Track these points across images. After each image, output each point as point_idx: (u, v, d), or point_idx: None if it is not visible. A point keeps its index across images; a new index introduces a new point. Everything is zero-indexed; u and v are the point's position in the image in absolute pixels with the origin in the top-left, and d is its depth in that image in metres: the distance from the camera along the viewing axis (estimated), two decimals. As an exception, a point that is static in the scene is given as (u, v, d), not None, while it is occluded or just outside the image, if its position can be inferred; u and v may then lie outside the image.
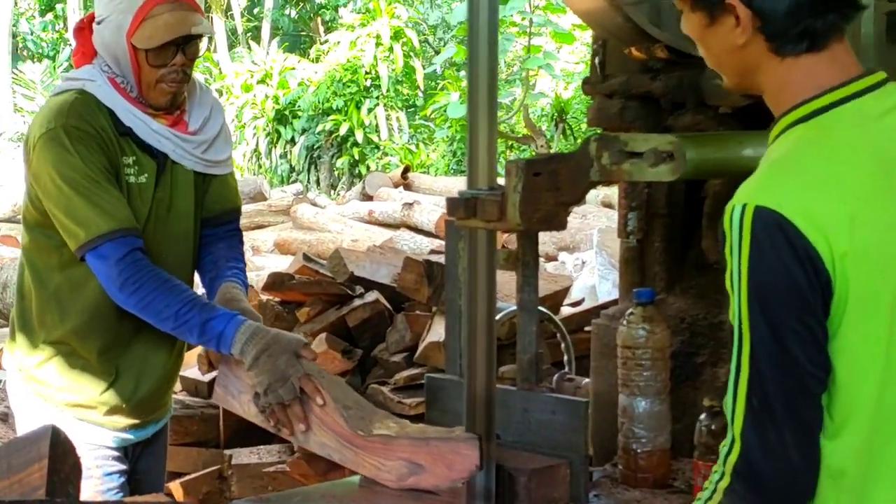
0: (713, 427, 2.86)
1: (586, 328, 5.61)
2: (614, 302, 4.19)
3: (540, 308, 3.44)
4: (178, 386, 5.84)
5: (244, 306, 3.42)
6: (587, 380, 3.56)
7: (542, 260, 9.16)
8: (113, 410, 3.51)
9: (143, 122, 3.44)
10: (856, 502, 2.02)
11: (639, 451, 3.05)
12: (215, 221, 3.66)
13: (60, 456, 2.46)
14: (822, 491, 2.01)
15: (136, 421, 3.56)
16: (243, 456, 5.57)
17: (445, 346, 3.46)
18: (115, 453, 3.53)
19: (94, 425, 3.48)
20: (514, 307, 3.45)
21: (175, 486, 5.63)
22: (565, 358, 3.91)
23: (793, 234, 1.96)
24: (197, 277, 3.71)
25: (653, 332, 3.06)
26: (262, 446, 5.64)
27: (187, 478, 5.64)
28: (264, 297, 5.97)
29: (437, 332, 5.26)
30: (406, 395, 5.26)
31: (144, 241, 3.37)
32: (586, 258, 9.43)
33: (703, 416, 2.90)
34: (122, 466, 3.54)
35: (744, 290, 1.99)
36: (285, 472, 5.37)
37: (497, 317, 3.21)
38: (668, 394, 3.08)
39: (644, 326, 3.06)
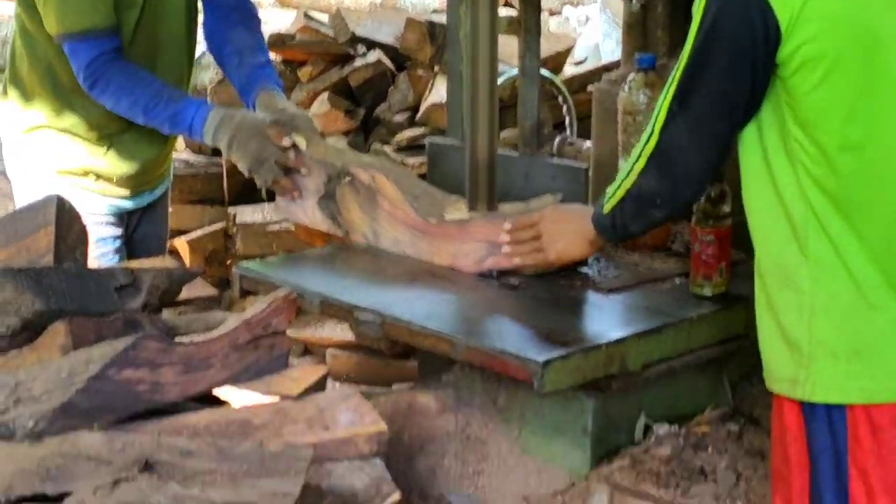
0: (712, 194, 2.87)
1: (589, 87, 5.60)
2: (617, 63, 4.16)
3: (542, 71, 3.44)
4: (181, 144, 5.85)
5: (293, 111, 3.40)
6: (588, 143, 3.58)
7: (545, 15, 9.05)
8: (104, 180, 3.52)
9: None
10: (842, 212, 2.14)
11: (638, 215, 3.08)
12: None
13: (66, 223, 2.49)
14: (808, 198, 2.16)
15: (127, 192, 3.57)
16: (247, 214, 5.62)
17: (447, 110, 3.47)
18: (110, 219, 3.56)
19: (86, 192, 3.48)
20: (516, 71, 3.44)
21: (180, 243, 5.70)
22: (567, 121, 3.92)
23: None
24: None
25: (654, 97, 3.05)
26: (265, 204, 5.69)
27: (192, 235, 5.71)
28: (266, 56, 5.93)
29: (439, 92, 5.25)
30: (409, 155, 5.29)
31: (135, 43, 3.35)
32: (590, 13, 9.31)
33: (702, 182, 2.92)
34: (117, 231, 3.57)
35: (699, 12, 2.21)
36: (289, 230, 5.42)
37: (499, 81, 3.21)
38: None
39: (645, 92, 3.05)
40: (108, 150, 3.47)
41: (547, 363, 2.48)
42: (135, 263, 2.85)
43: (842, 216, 2.13)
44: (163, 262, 2.84)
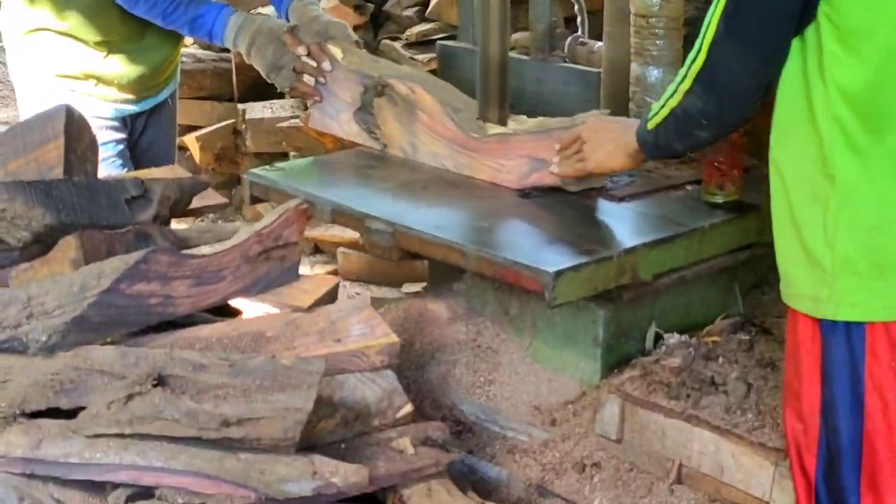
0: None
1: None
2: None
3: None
4: (189, 40, 5.80)
5: (326, 20, 3.35)
6: (600, 43, 3.53)
7: None
8: (104, 84, 3.47)
9: None
10: (872, 129, 2.09)
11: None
12: None
13: (76, 134, 2.47)
14: (838, 116, 2.10)
15: (129, 96, 3.53)
16: (257, 110, 5.58)
17: (458, 11, 3.42)
18: (112, 123, 3.52)
19: (86, 96, 3.43)
20: (528, -31, 3.37)
21: (190, 140, 5.68)
22: (578, 20, 3.85)
23: None
24: None
25: (667, 0, 3.00)
26: (275, 101, 5.65)
27: (202, 132, 5.68)
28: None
29: (449, -14, 5.18)
30: (419, 51, 5.23)
31: None
32: None
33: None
34: (120, 135, 3.54)
35: None
36: (299, 127, 5.39)
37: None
38: (681, 63, 3.05)
39: (658, -6, 3.00)
40: (108, 54, 3.43)
41: (559, 274, 2.46)
42: (144, 173, 2.83)
43: (870, 132, 2.09)
44: (173, 171, 2.83)
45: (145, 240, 2.39)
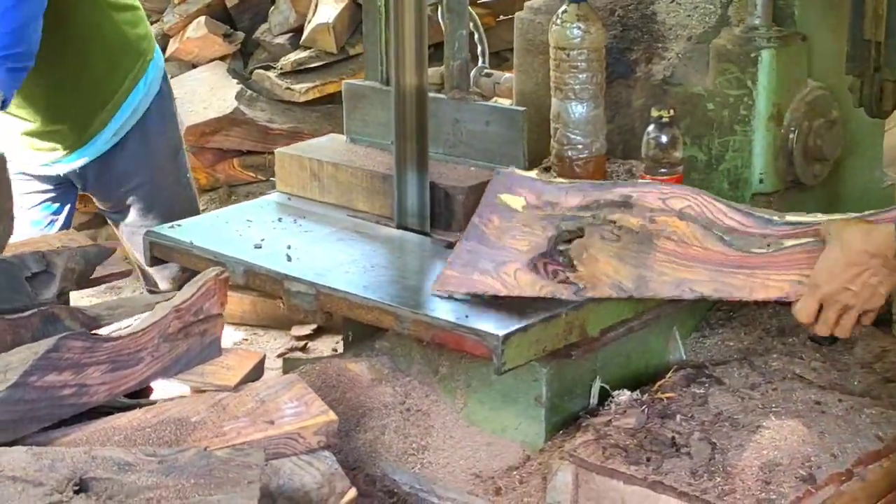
0: (662, 139, 2.69)
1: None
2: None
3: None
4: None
5: None
6: (507, 75, 3.36)
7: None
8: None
9: None
10: None
11: (574, 157, 2.88)
12: None
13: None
14: None
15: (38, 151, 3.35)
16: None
17: (364, 45, 3.20)
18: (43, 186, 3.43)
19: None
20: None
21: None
22: (479, 49, 3.68)
23: None
24: None
25: (588, 31, 2.84)
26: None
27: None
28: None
29: (323, 12, 4.98)
30: (294, 81, 5.02)
31: None
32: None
33: (651, 128, 2.72)
34: (48, 194, 3.45)
35: None
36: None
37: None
38: (604, 96, 2.90)
39: (579, 25, 2.84)
40: None
41: (507, 337, 2.28)
42: (40, 240, 2.57)
43: None
44: (70, 236, 2.57)
45: (52, 322, 2.15)
